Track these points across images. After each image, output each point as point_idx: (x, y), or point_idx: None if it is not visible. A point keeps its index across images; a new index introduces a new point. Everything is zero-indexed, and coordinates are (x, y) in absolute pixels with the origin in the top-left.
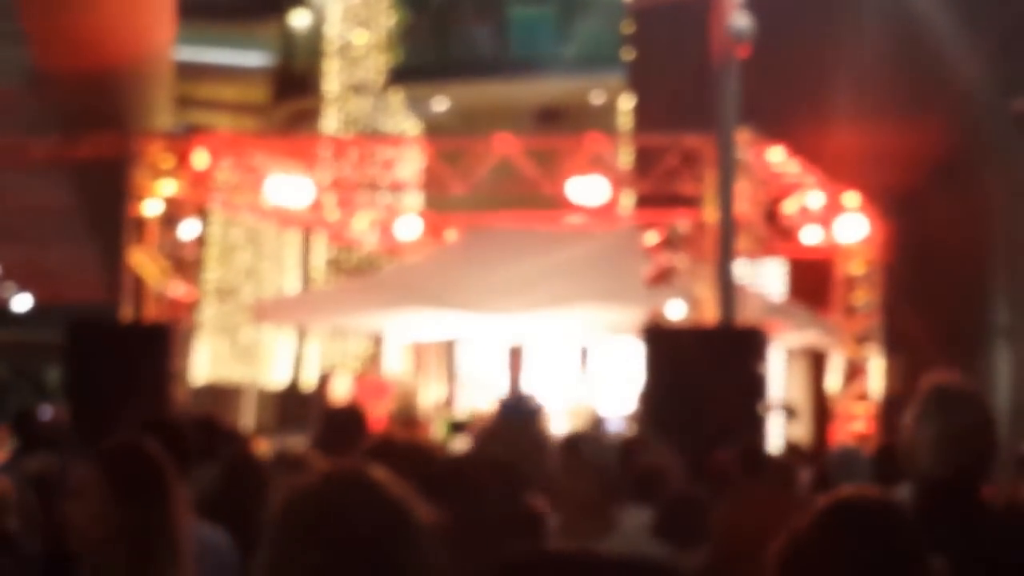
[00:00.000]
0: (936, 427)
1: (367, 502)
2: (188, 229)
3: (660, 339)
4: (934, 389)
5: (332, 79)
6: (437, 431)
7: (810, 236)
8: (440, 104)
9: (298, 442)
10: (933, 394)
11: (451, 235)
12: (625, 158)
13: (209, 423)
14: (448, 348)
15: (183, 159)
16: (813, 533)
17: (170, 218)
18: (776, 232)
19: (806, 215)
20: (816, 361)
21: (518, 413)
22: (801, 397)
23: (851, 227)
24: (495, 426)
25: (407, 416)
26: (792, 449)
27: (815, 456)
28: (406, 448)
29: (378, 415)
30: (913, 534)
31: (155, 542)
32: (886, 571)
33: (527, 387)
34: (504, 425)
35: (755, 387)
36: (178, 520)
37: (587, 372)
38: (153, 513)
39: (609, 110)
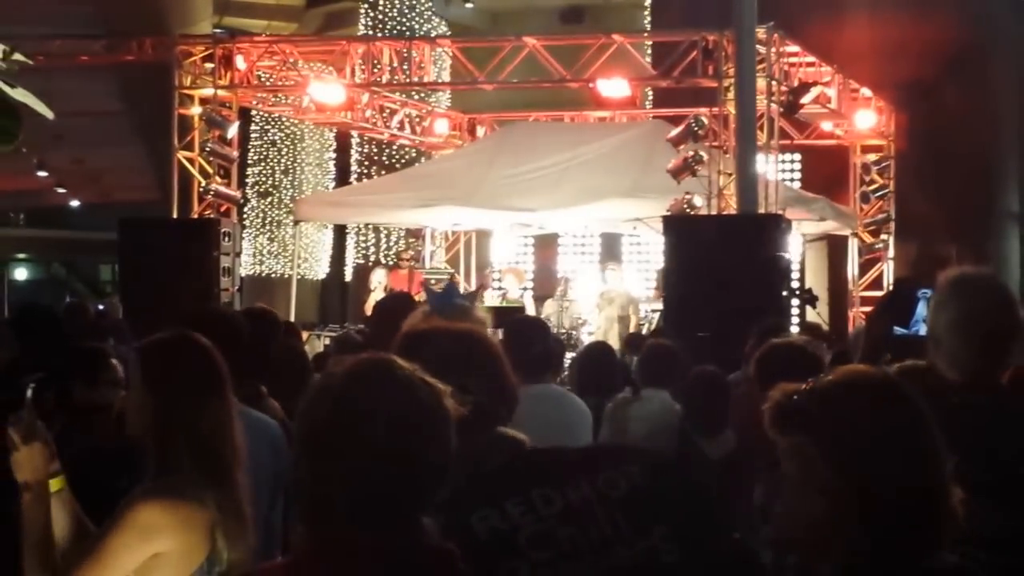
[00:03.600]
0: (954, 311)
1: (388, 395)
2: (229, 129)
3: (683, 227)
4: (950, 279)
5: None
6: None
7: (826, 128)
8: (466, 5)
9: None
10: (949, 282)
11: (482, 131)
12: (647, 55)
13: (261, 314)
14: (481, 240)
15: (224, 62)
16: (815, 402)
17: (212, 119)
18: (794, 124)
19: (822, 108)
20: (833, 248)
21: (448, 305)
22: (819, 283)
23: (865, 118)
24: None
25: None
26: (812, 331)
27: (834, 339)
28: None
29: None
30: (915, 410)
31: (208, 434)
32: (890, 443)
33: (560, 274)
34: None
35: (776, 273)
36: (229, 412)
37: (616, 261)
38: (201, 405)
39: (631, 8)
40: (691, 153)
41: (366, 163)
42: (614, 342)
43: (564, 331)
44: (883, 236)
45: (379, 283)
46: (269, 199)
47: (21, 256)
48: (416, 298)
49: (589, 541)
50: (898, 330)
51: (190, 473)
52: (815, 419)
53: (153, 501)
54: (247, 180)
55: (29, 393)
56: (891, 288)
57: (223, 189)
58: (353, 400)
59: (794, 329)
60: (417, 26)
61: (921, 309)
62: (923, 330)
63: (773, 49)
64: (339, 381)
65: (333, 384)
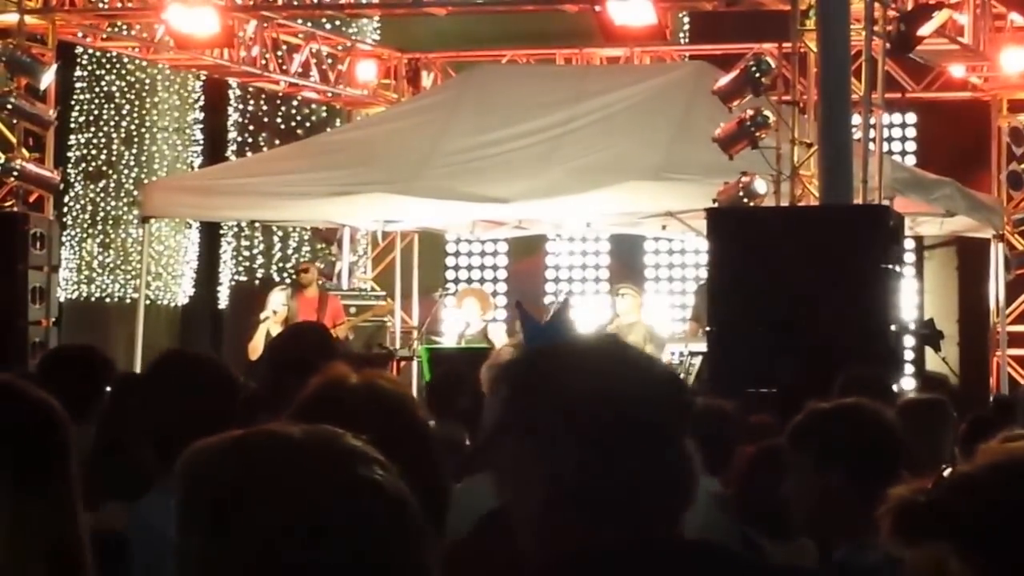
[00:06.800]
0: None
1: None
2: (43, 76)
3: (739, 226)
4: None
5: None
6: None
7: (957, 74)
8: None
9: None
10: None
11: (429, 80)
12: None
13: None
14: (428, 246)
15: None
16: (961, 498)
17: (16, 60)
18: (907, 69)
19: (950, 43)
20: (968, 257)
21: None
22: (946, 311)
23: (1015, 59)
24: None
25: (372, 346)
26: (934, 386)
27: (967, 398)
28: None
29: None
30: None
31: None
32: None
33: (549, 299)
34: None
35: (879, 295)
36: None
37: (633, 280)
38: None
39: None
40: (750, 113)
41: (251, 128)
42: None
43: None
44: None
45: (275, 312)
46: (103, 184)
47: None
48: (334, 333)
49: None
50: None
51: None
52: (963, 521)
53: None
54: (69, 155)
55: None
56: None
57: (32, 168)
58: (245, 501)
59: (907, 383)
60: None
61: None
62: None
63: None
64: (221, 454)
65: (208, 478)
